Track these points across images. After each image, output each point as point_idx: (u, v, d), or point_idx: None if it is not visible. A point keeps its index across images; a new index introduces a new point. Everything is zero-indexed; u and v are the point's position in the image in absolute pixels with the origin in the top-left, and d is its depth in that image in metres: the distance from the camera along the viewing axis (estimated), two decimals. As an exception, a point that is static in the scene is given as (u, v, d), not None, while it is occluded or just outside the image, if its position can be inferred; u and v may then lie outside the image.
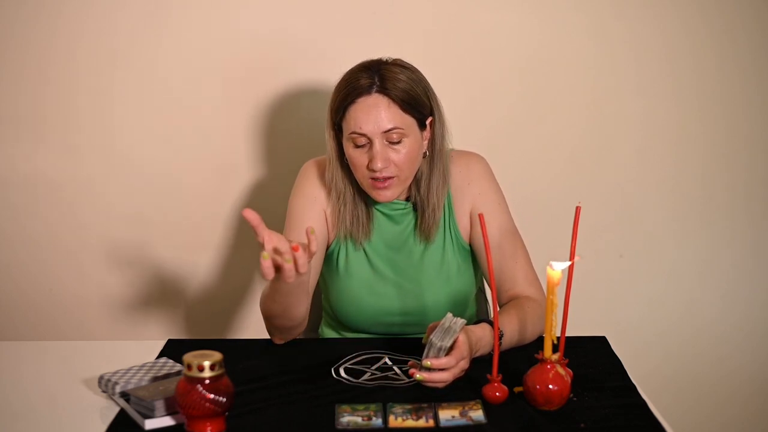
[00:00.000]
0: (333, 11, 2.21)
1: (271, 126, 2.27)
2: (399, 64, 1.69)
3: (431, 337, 1.45)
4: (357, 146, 1.67)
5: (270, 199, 2.27)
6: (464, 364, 1.47)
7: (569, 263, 1.38)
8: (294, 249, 1.41)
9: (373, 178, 1.67)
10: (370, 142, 1.65)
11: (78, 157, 2.26)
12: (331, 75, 2.21)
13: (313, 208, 1.78)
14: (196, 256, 2.33)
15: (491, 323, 1.57)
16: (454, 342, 1.46)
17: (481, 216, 1.44)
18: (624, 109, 2.29)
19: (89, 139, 2.26)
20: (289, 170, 2.26)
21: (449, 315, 1.49)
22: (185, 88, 2.24)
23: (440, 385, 1.46)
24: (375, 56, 1.72)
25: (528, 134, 2.30)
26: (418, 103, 1.68)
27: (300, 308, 1.61)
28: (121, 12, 2.19)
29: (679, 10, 2.24)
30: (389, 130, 1.64)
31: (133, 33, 2.20)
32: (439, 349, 1.44)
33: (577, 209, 1.41)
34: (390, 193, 1.69)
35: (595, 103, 2.29)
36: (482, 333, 1.54)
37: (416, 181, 1.76)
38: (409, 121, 1.67)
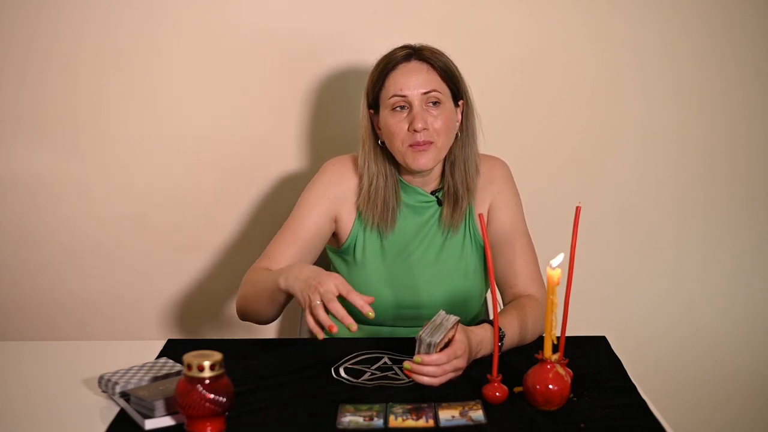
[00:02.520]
0: (331, 12, 2.21)
1: (273, 127, 2.26)
2: (434, 48, 1.77)
3: (420, 332, 1.44)
4: (396, 112, 1.71)
5: (273, 198, 2.27)
6: (459, 363, 1.46)
7: (561, 255, 1.38)
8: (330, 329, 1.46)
9: (411, 144, 1.70)
10: (410, 106, 1.70)
11: (79, 157, 2.26)
12: (331, 78, 2.23)
13: (323, 205, 1.79)
14: (197, 256, 2.33)
15: (492, 323, 1.57)
16: (449, 340, 1.46)
17: (481, 216, 1.44)
18: (624, 109, 2.29)
19: (90, 139, 2.26)
20: (291, 171, 2.27)
21: (441, 312, 1.48)
22: (184, 89, 2.24)
23: (435, 383, 1.45)
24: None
25: (528, 134, 2.30)
26: (455, 76, 1.76)
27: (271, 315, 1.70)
28: (122, 13, 2.19)
29: (679, 10, 2.24)
30: (429, 92, 1.71)
31: (135, 33, 2.20)
32: (429, 345, 1.43)
33: (577, 209, 1.41)
34: (426, 160, 1.72)
35: (595, 103, 2.29)
36: (484, 334, 1.54)
37: (450, 165, 1.79)
38: (445, 89, 1.74)
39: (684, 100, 2.29)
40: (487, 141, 2.20)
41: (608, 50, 2.25)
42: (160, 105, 2.25)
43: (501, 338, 1.57)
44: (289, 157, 2.27)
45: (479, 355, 1.54)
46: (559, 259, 1.38)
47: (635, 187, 2.34)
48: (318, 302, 1.47)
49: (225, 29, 2.21)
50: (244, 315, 1.74)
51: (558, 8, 2.23)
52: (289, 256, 1.73)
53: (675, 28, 2.24)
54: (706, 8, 2.24)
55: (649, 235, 2.36)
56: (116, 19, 2.19)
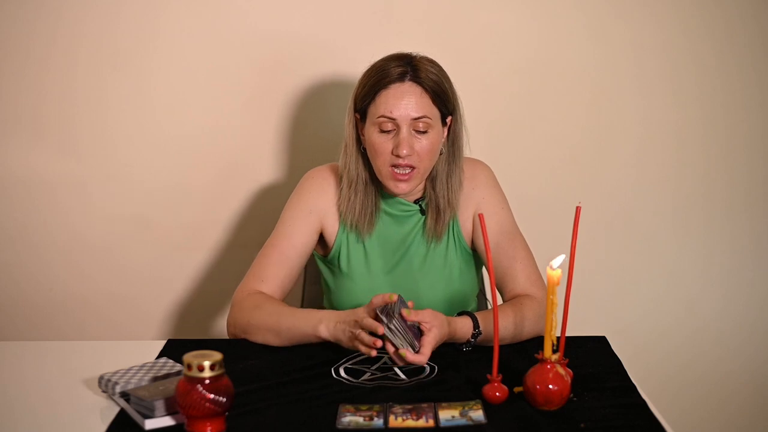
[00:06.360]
0: (333, 12, 2.21)
1: (272, 127, 2.26)
2: (429, 59, 1.73)
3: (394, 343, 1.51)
4: (382, 132, 1.69)
5: (271, 199, 2.27)
6: (436, 334, 1.54)
7: (563, 256, 1.39)
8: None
9: (393, 166, 1.68)
10: (397, 128, 1.68)
11: (78, 157, 2.26)
12: (328, 76, 2.23)
13: (306, 220, 1.78)
14: (197, 256, 2.33)
15: (471, 316, 1.62)
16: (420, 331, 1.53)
17: (481, 216, 1.44)
18: (624, 109, 2.29)
19: (89, 139, 2.26)
20: (290, 171, 2.27)
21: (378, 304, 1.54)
22: (184, 89, 2.24)
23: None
24: (374, 55, 1.74)
25: (528, 134, 2.30)
26: (447, 96, 1.72)
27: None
28: (122, 12, 2.19)
29: (679, 10, 2.24)
30: (418, 118, 1.67)
31: (134, 33, 2.20)
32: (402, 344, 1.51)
33: (577, 209, 1.41)
34: (407, 186, 1.70)
35: (595, 103, 2.29)
36: (458, 321, 1.59)
37: (431, 179, 1.77)
38: (435, 113, 1.70)
39: (684, 100, 2.29)
40: (487, 142, 2.21)
41: (608, 50, 2.25)
42: (160, 105, 2.25)
43: (476, 336, 1.61)
44: (290, 156, 2.27)
45: (449, 337, 1.59)
46: (560, 260, 1.38)
47: (635, 187, 2.34)
48: (358, 331, 1.54)
49: (225, 30, 2.21)
50: (246, 338, 1.70)
51: (558, 9, 2.23)
52: (282, 278, 1.75)
53: (675, 29, 2.25)
54: (706, 9, 2.24)
55: (649, 234, 2.36)
56: (116, 19, 2.19)
